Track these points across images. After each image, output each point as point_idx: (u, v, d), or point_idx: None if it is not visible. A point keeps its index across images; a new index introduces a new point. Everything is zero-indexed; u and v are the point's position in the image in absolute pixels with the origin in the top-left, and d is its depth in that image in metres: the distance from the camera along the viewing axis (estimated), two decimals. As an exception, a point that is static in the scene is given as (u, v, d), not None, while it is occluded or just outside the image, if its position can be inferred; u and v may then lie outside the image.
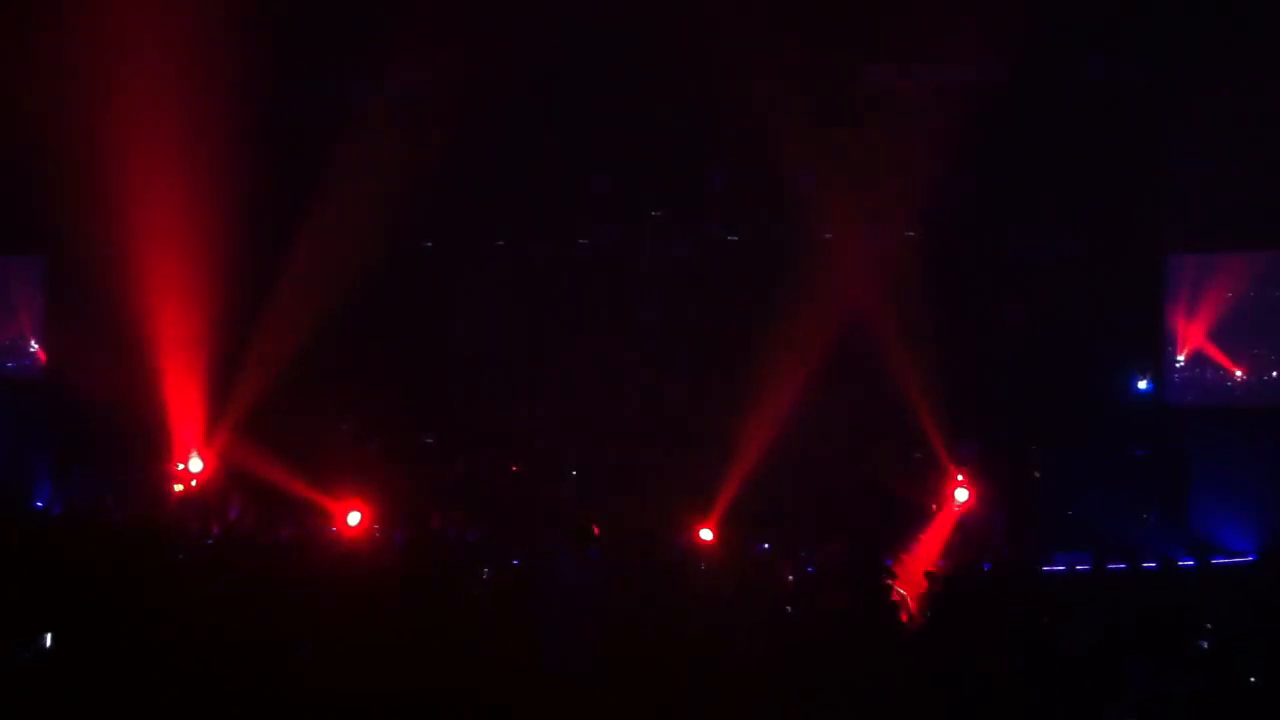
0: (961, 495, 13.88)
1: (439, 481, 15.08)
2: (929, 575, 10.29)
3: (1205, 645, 7.59)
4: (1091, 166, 14.42)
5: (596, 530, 13.53)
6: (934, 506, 14.06)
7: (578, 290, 16.19)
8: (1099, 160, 14.39)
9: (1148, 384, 15.42)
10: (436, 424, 15.88)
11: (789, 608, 9.36)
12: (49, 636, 5.91)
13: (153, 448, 14.68)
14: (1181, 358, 15.25)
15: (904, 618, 9.06)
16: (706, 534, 13.34)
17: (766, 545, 12.80)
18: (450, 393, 15.90)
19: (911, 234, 15.13)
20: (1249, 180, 13.70)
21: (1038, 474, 15.14)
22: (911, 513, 14.00)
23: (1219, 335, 15.16)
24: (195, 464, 14.58)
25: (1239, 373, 15.05)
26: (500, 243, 16.19)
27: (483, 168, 14.96)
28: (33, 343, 16.11)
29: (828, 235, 15.60)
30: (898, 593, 9.80)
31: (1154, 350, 15.27)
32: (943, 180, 14.45)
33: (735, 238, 16.13)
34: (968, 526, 13.61)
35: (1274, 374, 15.03)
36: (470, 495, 14.73)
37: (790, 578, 11.91)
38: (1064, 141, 14.32)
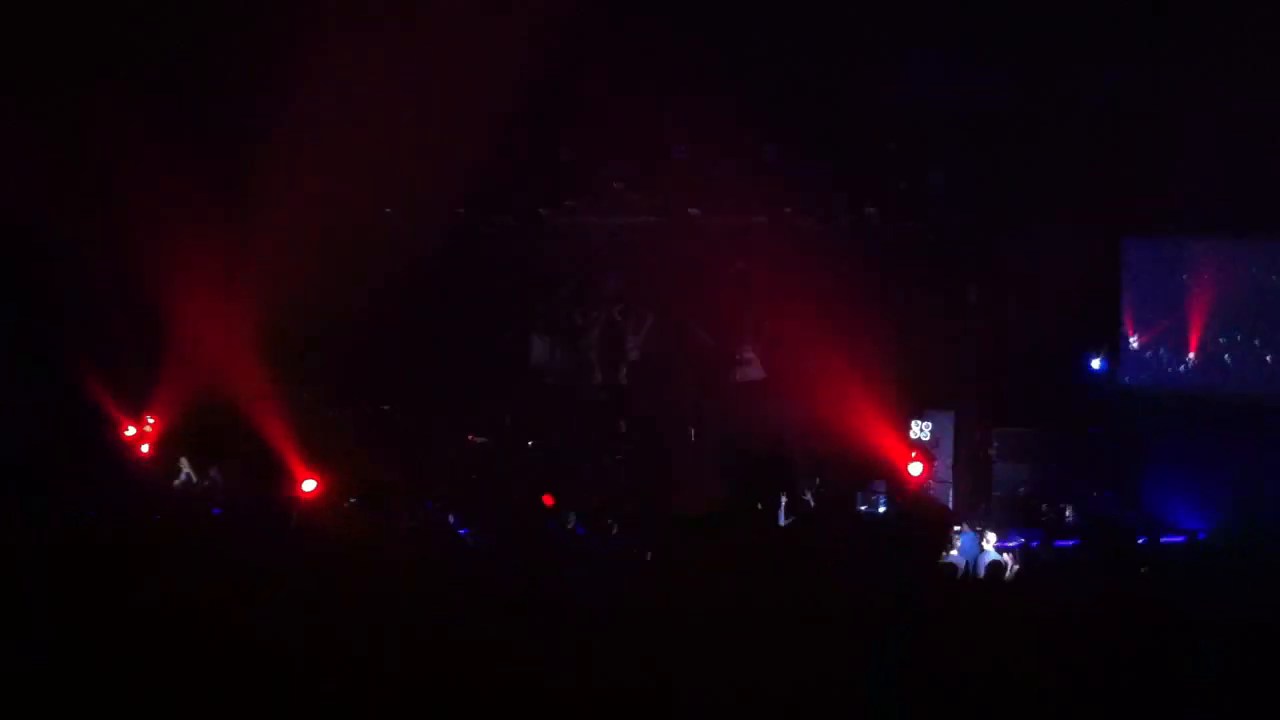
0: (915, 469, 14.08)
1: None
2: None
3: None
4: (1051, 150, 14.54)
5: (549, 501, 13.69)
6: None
7: (540, 262, 16.10)
8: (1058, 144, 14.51)
9: (1102, 364, 15.67)
10: (401, 400, 15.76)
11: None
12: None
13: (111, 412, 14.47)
14: (1136, 340, 15.50)
15: None
16: None
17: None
18: (412, 369, 15.77)
19: (871, 211, 15.21)
20: (1209, 165, 13.88)
21: (992, 452, 15.36)
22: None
23: (1175, 318, 15.41)
24: (146, 426, 14.40)
25: (1191, 355, 15.34)
26: (460, 211, 16.01)
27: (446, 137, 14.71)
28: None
29: (788, 209, 15.69)
30: None
31: (1110, 332, 15.49)
32: (904, 164, 14.69)
33: (696, 211, 16.08)
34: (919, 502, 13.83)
35: (1225, 357, 15.31)
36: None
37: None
38: (1024, 125, 14.42)
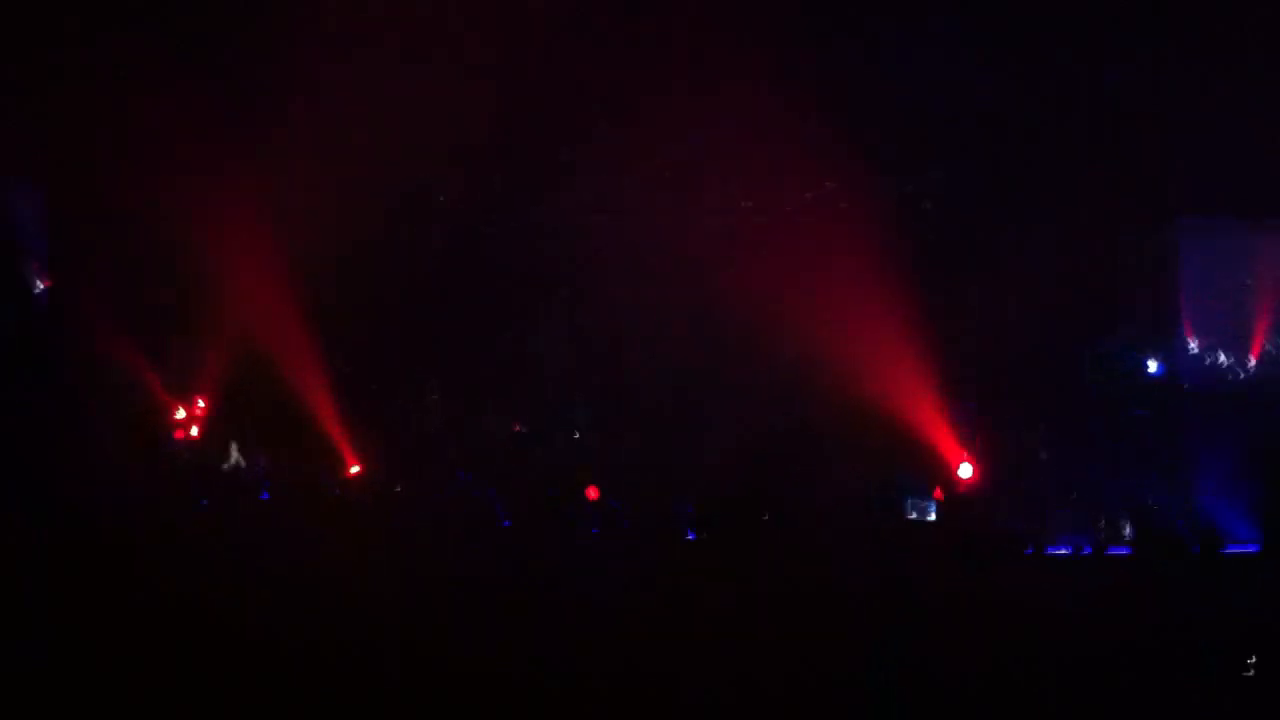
0: (965, 471, 13.91)
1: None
2: None
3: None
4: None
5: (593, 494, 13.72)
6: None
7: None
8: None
9: (1159, 367, 15.46)
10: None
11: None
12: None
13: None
14: (1194, 342, 15.33)
15: None
16: None
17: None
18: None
19: (928, 206, 15.11)
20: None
21: (1044, 455, 15.11)
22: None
23: (1234, 320, 15.23)
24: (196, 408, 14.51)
25: (1252, 359, 15.18)
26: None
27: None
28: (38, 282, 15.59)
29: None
30: None
31: (1166, 334, 15.34)
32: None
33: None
34: (970, 504, 13.66)
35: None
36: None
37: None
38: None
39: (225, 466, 14.12)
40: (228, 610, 6.68)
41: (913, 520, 13.39)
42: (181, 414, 14.51)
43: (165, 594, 6.67)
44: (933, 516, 13.53)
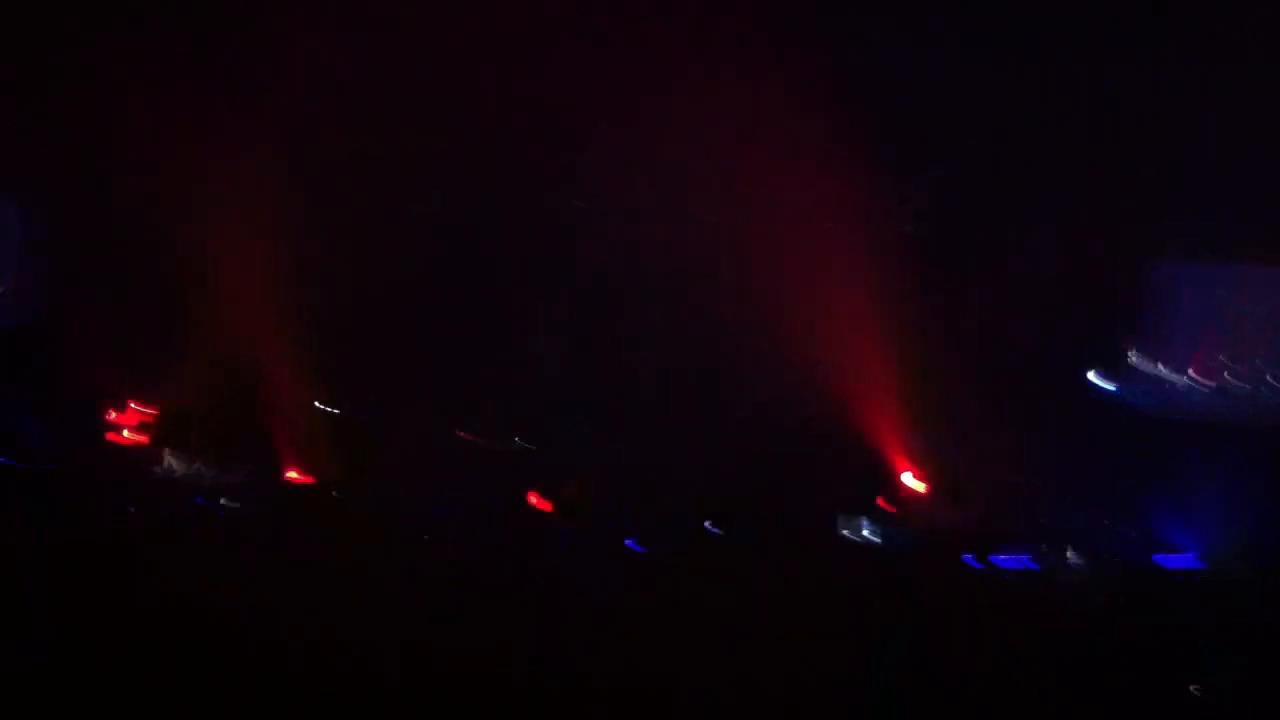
0: (917, 486, 13.92)
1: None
2: None
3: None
4: (1051, 150, 14.56)
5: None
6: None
7: (539, 261, 16.11)
8: (1059, 144, 14.53)
9: (1115, 387, 15.47)
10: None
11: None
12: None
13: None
14: (1149, 363, 15.33)
15: None
16: None
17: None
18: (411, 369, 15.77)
19: (905, 229, 15.16)
20: (1236, 191, 13.90)
21: (996, 467, 15.14)
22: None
23: (1188, 344, 15.27)
24: (129, 410, 14.44)
25: (1199, 380, 15.19)
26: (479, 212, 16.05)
27: (447, 136, 14.79)
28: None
29: (788, 209, 15.67)
30: None
31: (1125, 354, 15.37)
32: (927, 177, 14.72)
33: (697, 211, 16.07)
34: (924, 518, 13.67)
35: (1230, 382, 15.14)
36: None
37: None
38: (1024, 125, 14.44)
39: (157, 469, 13.99)
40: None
41: (844, 536, 13.22)
42: (114, 416, 14.45)
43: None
44: (866, 534, 13.17)
